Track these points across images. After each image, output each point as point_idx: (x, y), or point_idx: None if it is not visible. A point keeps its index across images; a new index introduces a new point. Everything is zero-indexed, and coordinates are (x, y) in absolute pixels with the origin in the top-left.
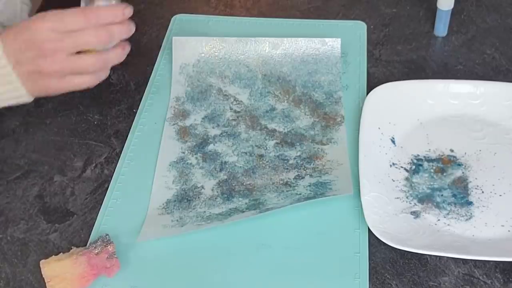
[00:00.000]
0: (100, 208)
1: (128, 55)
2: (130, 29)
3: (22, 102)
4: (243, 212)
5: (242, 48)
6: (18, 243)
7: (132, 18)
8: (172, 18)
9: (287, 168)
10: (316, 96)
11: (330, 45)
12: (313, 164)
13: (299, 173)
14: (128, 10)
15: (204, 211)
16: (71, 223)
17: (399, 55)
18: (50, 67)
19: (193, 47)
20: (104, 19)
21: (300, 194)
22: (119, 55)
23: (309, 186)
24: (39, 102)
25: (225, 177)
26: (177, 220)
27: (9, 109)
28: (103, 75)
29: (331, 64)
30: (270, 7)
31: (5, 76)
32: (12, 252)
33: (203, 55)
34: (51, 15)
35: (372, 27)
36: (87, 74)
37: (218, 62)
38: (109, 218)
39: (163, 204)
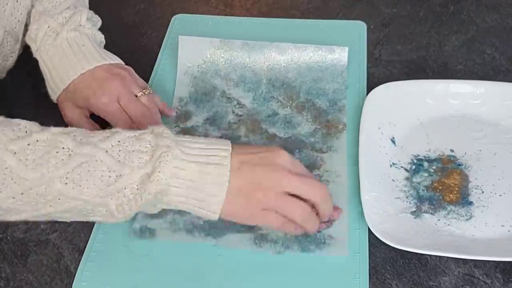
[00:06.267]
0: None
1: (128, 55)
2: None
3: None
4: None
5: (248, 52)
6: (18, 243)
7: (132, 18)
8: (172, 18)
9: None
10: (320, 103)
11: (337, 54)
12: (311, 173)
13: None
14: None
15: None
16: (71, 223)
17: (399, 55)
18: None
19: (199, 48)
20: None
21: None
22: (316, 222)
23: None
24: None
25: None
26: (170, 223)
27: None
28: (290, 227)
29: (337, 73)
30: (270, 7)
31: (222, 176)
32: (12, 252)
33: (209, 56)
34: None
35: (372, 27)
36: (280, 216)
37: (223, 65)
38: None
39: None
